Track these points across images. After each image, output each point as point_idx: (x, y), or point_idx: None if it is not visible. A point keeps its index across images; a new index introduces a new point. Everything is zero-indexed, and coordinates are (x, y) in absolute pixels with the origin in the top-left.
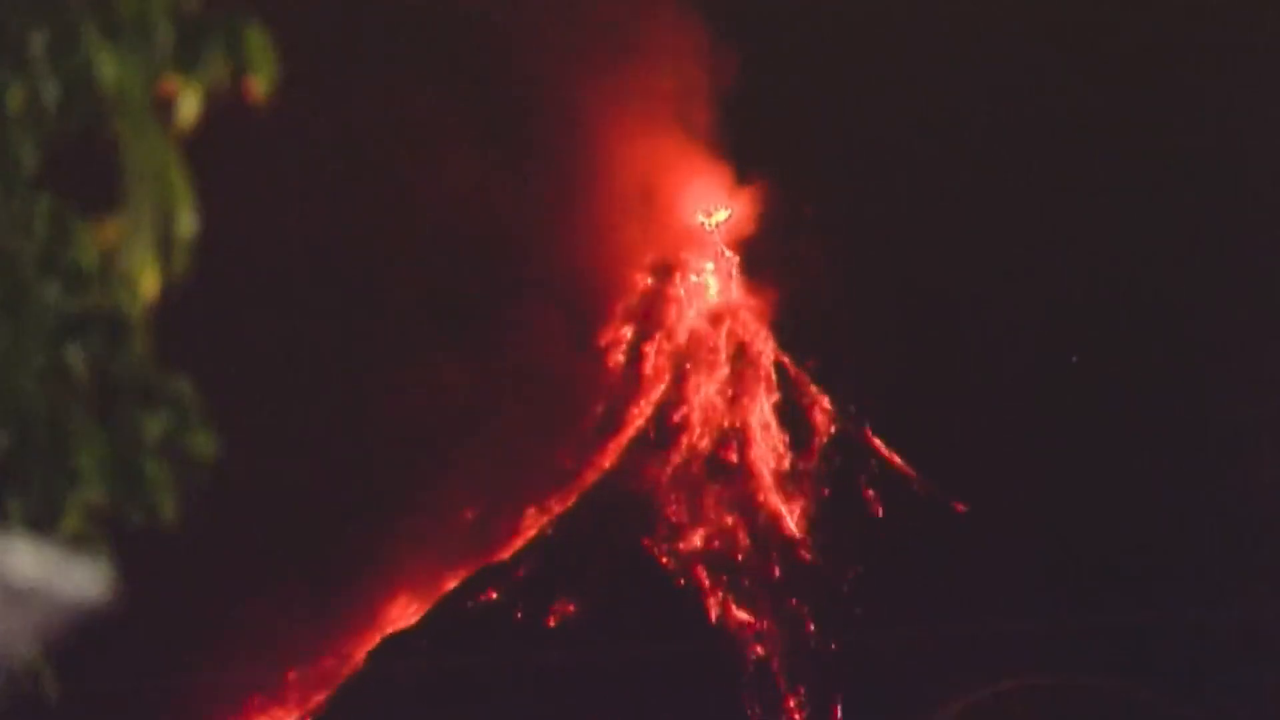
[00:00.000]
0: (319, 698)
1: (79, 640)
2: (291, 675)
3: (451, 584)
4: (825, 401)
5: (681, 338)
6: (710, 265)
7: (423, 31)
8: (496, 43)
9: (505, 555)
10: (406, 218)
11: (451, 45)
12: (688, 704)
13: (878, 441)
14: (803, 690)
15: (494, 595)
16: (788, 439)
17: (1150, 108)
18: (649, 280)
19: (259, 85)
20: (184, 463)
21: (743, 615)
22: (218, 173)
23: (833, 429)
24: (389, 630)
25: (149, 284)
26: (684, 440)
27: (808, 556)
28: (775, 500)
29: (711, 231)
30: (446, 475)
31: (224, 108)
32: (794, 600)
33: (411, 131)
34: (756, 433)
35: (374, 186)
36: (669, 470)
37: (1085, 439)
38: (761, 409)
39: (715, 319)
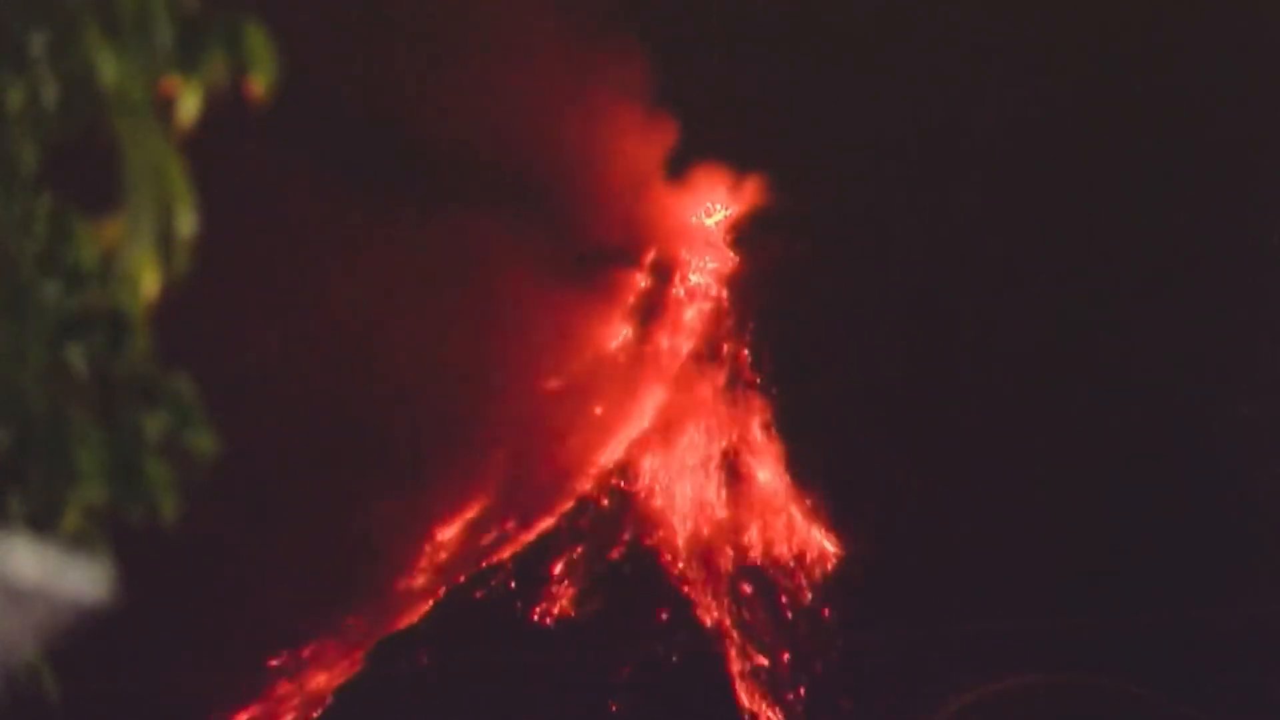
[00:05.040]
0: (316, 699)
1: (79, 639)
2: (288, 677)
3: (450, 584)
4: (827, 402)
5: (681, 338)
6: (710, 265)
7: (414, 26)
8: (490, 37)
9: (504, 556)
10: (394, 217)
11: (445, 39)
12: (688, 704)
13: (878, 440)
14: (803, 690)
15: (494, 595)
16: (788, 439)
17: (1150, 108)
18: (648, 280)
19: (259, 85)
20: (184, 461)
21: (742, 615)
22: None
23: (834, 429)
24: (388, 630)
25: (149, 284)
26: (684, 441)
27: (808, 556)
28: (775, 500)
29: (711, 231)
30: (446, 475)
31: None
32: (794, 600)
33: (409, 128)
34: (757, 434)
35: (369, 186)
36: (669, 470)
37: (1085, 438)
38: (762, 409)
39: (715, 320)
